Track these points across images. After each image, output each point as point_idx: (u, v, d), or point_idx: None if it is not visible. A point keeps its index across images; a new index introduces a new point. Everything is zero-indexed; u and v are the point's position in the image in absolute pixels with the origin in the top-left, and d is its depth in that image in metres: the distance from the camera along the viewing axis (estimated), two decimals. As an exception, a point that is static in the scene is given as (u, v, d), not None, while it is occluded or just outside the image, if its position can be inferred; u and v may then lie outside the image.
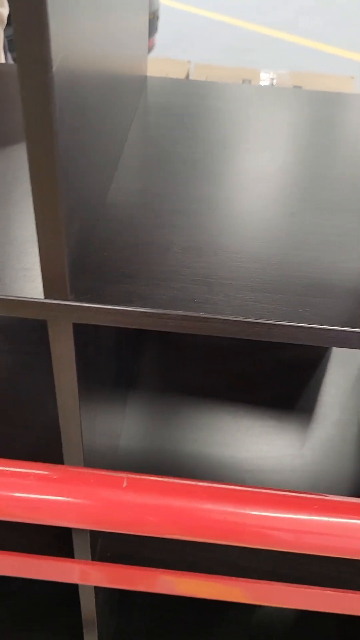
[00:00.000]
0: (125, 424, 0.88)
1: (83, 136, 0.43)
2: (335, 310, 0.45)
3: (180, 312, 0.44)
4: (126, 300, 0.44)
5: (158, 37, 2.44)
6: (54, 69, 0.33)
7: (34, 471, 0.39)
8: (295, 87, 1.10)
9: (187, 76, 1.08)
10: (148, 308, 0.44)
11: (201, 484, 0.39)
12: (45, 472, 0.39)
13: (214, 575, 0.60)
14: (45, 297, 0.44)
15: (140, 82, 0.74)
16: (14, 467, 0.40)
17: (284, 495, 0.39)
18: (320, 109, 0.78)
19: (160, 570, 0.62)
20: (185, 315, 0.44)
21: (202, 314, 0.44)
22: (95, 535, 0.70)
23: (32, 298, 0.44)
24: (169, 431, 0.88)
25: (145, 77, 0.78)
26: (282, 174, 0.61)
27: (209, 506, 0.37)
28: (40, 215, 0.38)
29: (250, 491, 0.40)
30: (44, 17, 0.31)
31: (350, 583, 0.70)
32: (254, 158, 0.64)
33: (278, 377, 0.97)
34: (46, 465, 0.41)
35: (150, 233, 0.51)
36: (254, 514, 0.37)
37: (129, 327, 0.45)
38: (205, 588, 0.60)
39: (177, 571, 0.62)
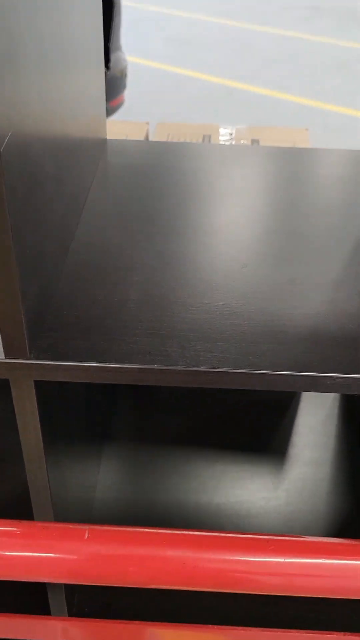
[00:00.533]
0: (100, 477, 0.89)
1: (38, 202, 0.45)
2: (283, 356, 0.47)
3: (135, 366, 0.46)
4: (84, 356, 0.46)
5: (127, 92, 2.54)
6: (2, 149, 0.36)
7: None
8: (253, 140, 1.16)
9: (147, 137, 1.13)
10: (105, 363, 0.46)
11: (160, 531, 0.40)
12: (9, 528, 0.40)
13: (198, 625, 0.61)
14: (6, 357, 0.45)
15: (100, 145, 0.78)
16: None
17: (242, 537, 0.40)
18: (275, 164, 0.82)
19: (141, 622, 0.62)
20: (140, 369, 0.46)
21: (156, 366, 0.46)
22: (71, 591, 0.69)
23: (-7, 358, 0.45)
24: (145, 481, 0.88)
25: (105, 139, 0.82)
26: (235, 228, 0.65)
27: (169, 553, 0.38)
28: (-4, 280, 0.41)
29: (211, 536, 0.41)
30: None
31: (326, 623, 0.70)
32: (209, 214, 0.67)
33: (250, 420, 0.99)
34: (10, 521, 0.42)
35: (108, 290, 0.54)
36: (214, 558, 0.38)
37: (88, 381, 0.47)
38: (190, 638, 0.60)
39: (158, 623, 0.62)
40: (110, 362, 0.46)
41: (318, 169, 0.80)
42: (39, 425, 0.49)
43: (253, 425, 0.98)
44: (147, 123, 1.17)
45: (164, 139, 1.15)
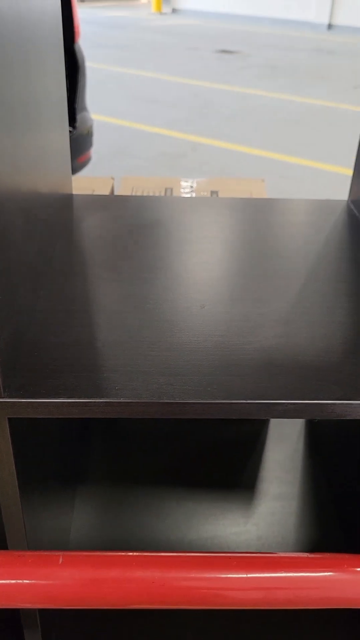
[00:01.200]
0: (74, 516, 0.90)
1: (9, 253, 0.50)
2: (239, 386, 0.51)
3: (103, 400, 0.49)
4: (54, 393, 0.50)
5: (95, 149, 2.64)
6: (-23, 206, 0.40)
7: (-26, 557, 0.42)
8: (212, 192, 1.23)
9: (112, 191, 1.20)
10: (75, 398, 0.49)
11: (130, 554, 0.43)
12: (-14, 558, 0.43)
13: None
14: (-19, 397, 0.49)
15: (66, 200, 0.83)
16: None
17: (207, 556, 0.43)
18: (232, 214, 0.88)
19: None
20: (108, 402, 0.49)
21: (122, 399, 0.49)
22: (48, 631, 0.70)
23: (-32, 398, 0.49)
24: (118, 520, 0.90)
25: (71, 195, 0.87)
26: (194, 272, 0.70)
27: (140, 573, 0.41)
28: (-29, 325, 0.44)
29: (179, 556, 0.44)
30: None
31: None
32: (170, 260, 0.72)
33: (219, 457, 1.02)
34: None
35: (75, 333, 0.58)
36: (183, 576, 0.41)
37: (59, 417, 0.50)
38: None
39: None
40: (79, 397, 0.49)
41: (273, 217, 0.87)
42: (13, 462, 0.52)
43: (222, 462, 1.01)
44: (112, 178, 1.24)
45: (128, 193, 1.22)
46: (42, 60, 0.63)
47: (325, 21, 8.80)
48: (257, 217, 0.87)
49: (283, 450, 1.04)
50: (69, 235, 0.77)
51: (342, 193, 0.98)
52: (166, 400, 0.50)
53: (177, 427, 1.08)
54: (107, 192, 1.18)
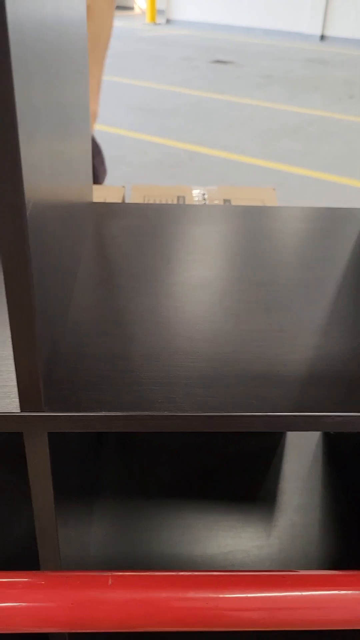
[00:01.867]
0: (93, 530, 0.88)
1: (47, 261, 0.48)
2: (283, 398, 0.50)
3: (146, 413, 0.48)
4: (96, 407, 0.48)
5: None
6: (28, 214, 0.39)
7: (20, 579, 0.41)
8: (225, 200, 1.22)
9: (123, 199, 1.19)
10: (116, 412, 0.48)
11: (182, 573, 0.42)
12: (30, 579, 0.41)
13: None
14: (22, 410, 0.47)
15: (88, 208, 0.82)
16: (-2, 577, 0.41)
17: (261, 575, 0.42)
18: (249, 221, 0.87)
19: None
20: (151, 415, 0.48)
21: (165, 413, 0.48)
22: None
23: (8, 412, 0.47)
24: (136, 534, 0.88)
25: (92, 202, 0.86)
26: (221, 281, 0.69)
27: (192, 594, 0.40)
28: (16, 335, 0.43)
29: (234, 575, 0.43)
30: (19, 180, 0.37)
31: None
32: (196, 269, 0.71)
33: (237, 469, 1.00)
34: (28, 572, 0.43)
35: (109, 343, 0.56)
36: (237, 597, 0.40)
37: (101, 430, 0.49)
38: None
39: None
40: (122, 410, 0.48)
41: (293, 225, 0.86)
42: (50, 478, 0.51)
43: (241, 474, 0.99)
44: (124, 187, 1.23)
45: (140, 201, 1.21)
46: (72, 68, 0.62)
47: (318, 32, 8.88)
48: (276, 225, 0.86)
49: (301, 461, 1.02)
50: (94, 243, 0.76)
51: (340, 202, 0.98)
52: (210, 413, 0.48)
53: (191, 439, 1.07)
54: (118, 200, 1.17)
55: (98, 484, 0.97)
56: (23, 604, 0.39)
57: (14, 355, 0.44)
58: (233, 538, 0.89)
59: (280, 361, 0.55)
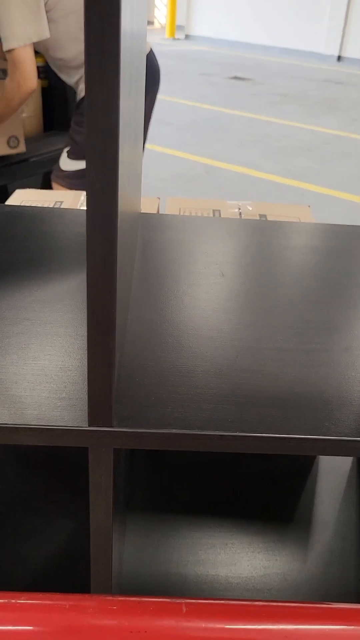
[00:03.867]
0: (126, 550, 0.86)
1: (121, 274, 0.47)
2: (357, 422, 0.48)
3: (217, 433, 0.46)
4: (165, 424, 0.47)
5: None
6: (118, 225, 0.38)
7: (91, 603, 0.39)
8: (261, 215, 1.21)
9: (158, 211, 1.18)
10: (187, 430, 0.46)
11: (258, 603, 0.40)
12: (101, 604, 0.39)
13: None
14: (90, 425, 0.46)
15: (138, 219, 0.81)
16: (66, 600, 0.40)
17: (341, 608, 0.40)
18: (294, 237, 0.86)
19: None
20: (222, 435, 0.46)
21: (238, 433, 0.46)
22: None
23: (76, 426, 0.46)
24: (170, 554, 0.86)
25: (140, 213, 0.85)
26: (278, 298, 0.67)
27: (276, 626, 0.38)
28: (94, 347, 0.42)
29: (310, 607, 0.41)
30: (114, 188, 0.36)
31: None
32: (250, 283, 0.70)
33: (271, 490, 0.98)
34: (98, 596, 0.41)
35: (171, 357, 0.55)
36: (318, 629, 0.38)
37: (167, 449, 0.47)
38: None
39: None
40: (192, 429, 0.46)
41: (335, 242, 0.85)
42: (111, 495, 0.49)
43: (274, 495, 0.97)
44: (159, 198, 1.22)
45: (176, 213, 1.20)
46: (140, 83, 0.61)
47: (335, 53, 8.94)
48: (321, 243, 0.85)
49: (335, 483, 1.00)
50: (143, 254, 0.75)
51: (357, 221, 0.96)
52: (284, 435, 0.47)
53: (223, 456, 1.05)
54: (154, 211, 1.16)
55: (131, 500, 0.95)
56: (95, 629, 0.37)
57: (89, 368, 0.43)
58: (269, 560, 0.87)
59: (350, 382, 0.53)
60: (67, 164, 1.86)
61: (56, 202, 1.17)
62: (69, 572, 0.82)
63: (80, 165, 1.84)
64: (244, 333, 0.60)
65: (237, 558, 0.86)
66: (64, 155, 1.87)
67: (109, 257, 0.38)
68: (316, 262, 0.78)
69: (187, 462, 1.03)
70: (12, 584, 0.80)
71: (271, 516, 0.93)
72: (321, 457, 1.06)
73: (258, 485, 0.99)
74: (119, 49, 0.32)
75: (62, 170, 1.86)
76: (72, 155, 1.85)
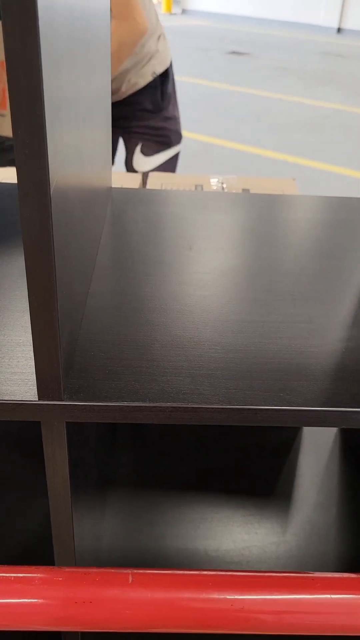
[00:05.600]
0: (105, 525, 0.87)
1: (70, 245, 0.46)
2: (313, 392, 0.48)
3: (169, 404, 0.46)
4: (117, 397, 0.46)
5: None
6: (51, 192, 0.37)
7: (37, 575, 0.39)
8: (244, 189, 1.20)
9: (141, 186, 1.16)
10: (139, 402, 0.46)
11: (205, 573, 0.40)
12: (47, 575, 0.39)
13: None
14: (40, 399, 0.45)
15: (107, 193, 0.80)
16: (12, 572, 0.40)
17: (289, 577, 0.40)
18: (270, 210, 0.85)
19: None
20: (174, 407, 0.46)
21: (191, 405, 0.46)
22: (84, 646, 0.67)
23: (26, 400, 0.45)
24: (150, 529, 0.87)
25: (110, 188, 0.84)
26: (245, 270, 0.66)
27: (216, 595, 0.38)
28: (36, 319, 0.41)
29: (260, 576, 0.41)
30: (44, 153, 0.35)
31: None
32: (218, 257, 0.69)
33: (252, 465, 0.98)
34: (45, 567, 0.41)
35: (130, 331, 0.54)
36: (263, 599, 0.38)
37: (120, 421, 0.47)
38: None
39: None
40: (144, 401, 0.46)
41: (312, 214, 0.83)
42: (67, 469, 0.49)
43: (256, 470, 0.97)
44: (141, 173, 1.21)
45: (157, 188, 1.18)
46: (96, 58, 0.60)
47: (335, 25, 8.78)
48: (298, 214, 0.83)
49: (318, 456, 1.00)
50: (113, 228, 0.74)
51: (356, 195, 0.94)
52: (237, 406, 0.46)
53: (205, 432, 1.05)
54: (136, 187, 1.14)
55: (111, 475, 0.95)
56: (39, 600, 0.37)
57: (34, 341, 0.42)
58: (248, 534, 0.87)
59: (309, 353, 0.53)
60: (145, 163, 1.69)
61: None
62: (44, 549, 0.83)
63: (161, 158, 1.68)
64: (206, 305, 0.59)
65: (217, 532, 0.86)
66: (137, 157, 1.69)
67: (43, 225, 0.37)
68: (293, 234, 0.77)
69: (169, 438, 1.03)
70: (-9, 560, 0.80)
71: (252, 491, 0.94)
72: (304, 432, 1.06)
73: (239, 460, 0.99)
74: (37, 28, 0.31)
75: (145, 173, 1.68)
76: (149, 151, 1.68)
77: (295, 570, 0.82)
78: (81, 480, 0.58)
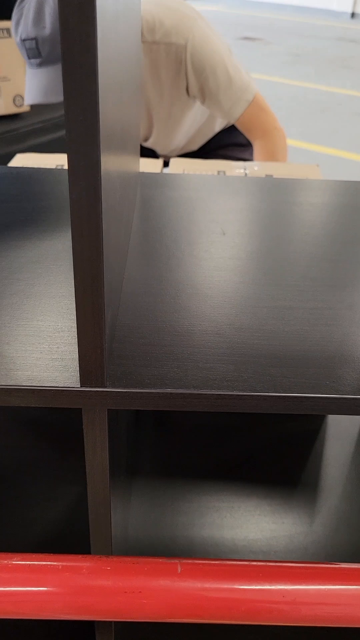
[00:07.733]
0: (131, 513, 0.86)
1: (111, 229, 0.45)
2: (358, 380, 0.47)
3: (214, 392, 0.45)
4: (160, 384, 0.45)
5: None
6: (101, 177, 0.36)
7: (85, 564, 0.38)
8: (267, 175, 1.18)
9: (162, 171, 1.15)
10: (184, 389, 0.45)
11: (255, 563, 0.39)
12: (95, 564, 0.38)
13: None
14: (82, 385, 0.44)
15: (137, 177, 0.79)
16: (60, 561, 0.39)
17: (343, 568, 0.39)
18: (300, 195, 0.83)
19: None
20: (219, 395, 0.45)
21: (236, 392, 0.45)
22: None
23: (69, 387, 0.44)
24: (177, 518, 0.86)
25: (139, 173, 0.83)
26: (282, 255, 0.65)
27: (274, 586, 0.37)
28: (82, 304, 0.40)
29: (310, 567, 0.40)
30: (96, 131, 0.34)
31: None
32: (252, 242, 0.68)
33: (278, 453, 0.97)
34: (93, 557, 0.40)
35: (169, 317, 0.53)
36: (320, 589, 0.37)
37: (163, 409, 0.46)
38: None
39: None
40: (187, 388, 0.45)
41: (343, 199, 0.82)
42: (107, 457, 0.48)
43: (282, 459, 0.96)
44: (162, 159, 1.19)
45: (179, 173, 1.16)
46: (129, 39, 0.58)
47: (349, 10, 8.65)
48: (329, 199, 0.82)
49: (343, 446, 0.99)
50: (141, 212, 0.73)
51: None
52: (282, 394, 0.45)
53: (230, 420, 1.04)
54: (157, 171, 1.13)
55: (136, 464, 0.94)
56: (89, 589, 0.36)
57: (78, 327, 0.41)
58: (275, 523, 0.86)
59: (353, 341, 0.51)
60: None
61: (57, 165, 1.14)
62: (75, 536, 0.82)
63: None
64: (245, 291, 0.58)
65: (244, 521, 0.86)
66: None
67: (93, 212, 0.36)
68: (323, 219, 0.75)
69: (193, 426, 1.02)
70: (18, 548, 0.80)
71: (278, 480, 0.93)
72: (329, 420, 1.05)
73: (265, 449, 0.98)
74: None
75: (167, 158, 1.56)
76: None
77: (324, 560, 0.81)
78: (115, 469, 0.58)
